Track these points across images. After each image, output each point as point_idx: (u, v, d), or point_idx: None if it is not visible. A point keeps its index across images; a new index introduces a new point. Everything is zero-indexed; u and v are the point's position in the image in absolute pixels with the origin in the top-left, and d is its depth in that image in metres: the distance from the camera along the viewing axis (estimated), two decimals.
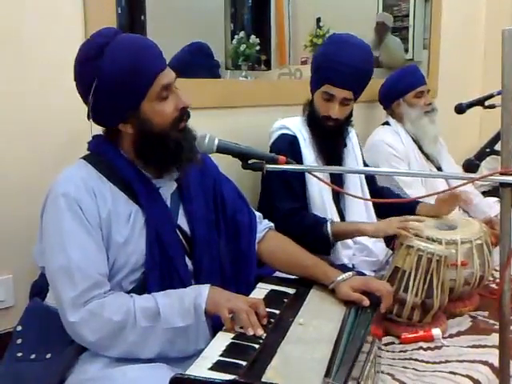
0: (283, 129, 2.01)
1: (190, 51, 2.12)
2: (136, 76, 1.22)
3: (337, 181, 1.99)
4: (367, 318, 1.28)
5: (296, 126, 2.00)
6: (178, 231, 1.36)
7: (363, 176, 2.10)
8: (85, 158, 1.34)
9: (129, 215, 1.29)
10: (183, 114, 1.31)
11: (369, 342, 1.20)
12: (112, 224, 1.26)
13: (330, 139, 1.98)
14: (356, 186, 2.05)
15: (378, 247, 2.01)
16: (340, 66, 1.85)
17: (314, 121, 1.96)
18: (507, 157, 1.08)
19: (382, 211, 2.07)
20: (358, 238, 1.97)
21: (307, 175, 1.90)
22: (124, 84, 1.22)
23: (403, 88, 2.50)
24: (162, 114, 1.27)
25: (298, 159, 1.92)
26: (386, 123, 2.58)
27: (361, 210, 2.04)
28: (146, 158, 1.31)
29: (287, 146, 1.93)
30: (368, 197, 2.08)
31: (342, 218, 2.01)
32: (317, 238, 1.78)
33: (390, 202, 2.03)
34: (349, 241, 1.97)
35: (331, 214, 1.94)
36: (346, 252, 1.94)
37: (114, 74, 1.21)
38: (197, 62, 2.12)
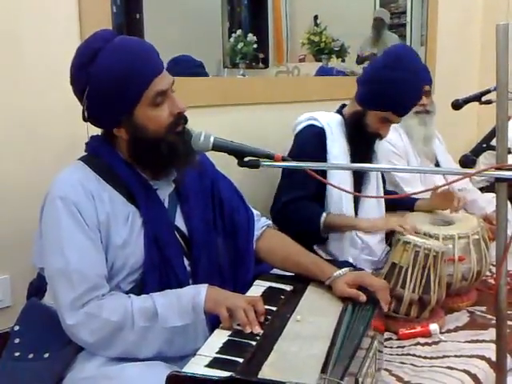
0: (311, 120, 1.97)
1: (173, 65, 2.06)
2: (128, 83, 1.20)
3: (358, 180, 1.99)
4: (366, 314, 1.27)
5: (326, 120, 1.96)
6: (175, 232, 1.36)
7: (380, 178, 2.12)
8: (82, 159, 1.33)
9: (127, 217, 1.29)
10: (179, 119, 1.28)
11: (369, 337, 1.20)
12: (110, 226, 1.26)
13: (368, 150, 1.99)
14: (373, 186, 2.06)
15: (381, 247, 2.01)
16: (411, 101, 1.89)
17: (359, 132, 1.93)
18: (502, 152, 1.09)
19: (386, 210, 2.09)
20: (363, 238, 1.98)
21: (329, 172, 1.88)
22: (115, 91, 1.21)
23: None
24: (156, 120, 1.25)
25: (321, 152, 1.89)
26: None
27: (373, 209, 2.04)
28: (141, 161, 1.31)
29: (311, 137, 1.90)
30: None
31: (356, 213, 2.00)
32: (310, 229, 1.77)
33: (396, 198, 2.08)
34: (357, 240, 1.97)
35: (346, 209, 1.91)
36: (352, 251, 1.94)
37: (104, 81, 1.20)
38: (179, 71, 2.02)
